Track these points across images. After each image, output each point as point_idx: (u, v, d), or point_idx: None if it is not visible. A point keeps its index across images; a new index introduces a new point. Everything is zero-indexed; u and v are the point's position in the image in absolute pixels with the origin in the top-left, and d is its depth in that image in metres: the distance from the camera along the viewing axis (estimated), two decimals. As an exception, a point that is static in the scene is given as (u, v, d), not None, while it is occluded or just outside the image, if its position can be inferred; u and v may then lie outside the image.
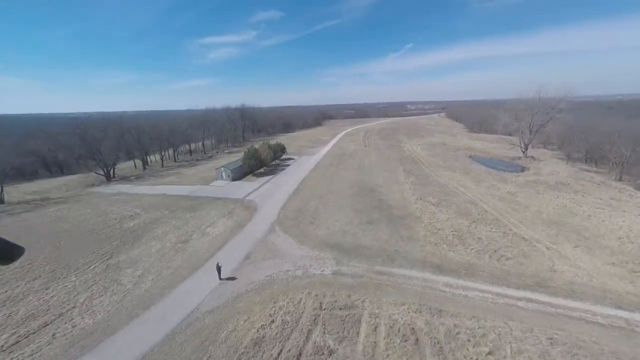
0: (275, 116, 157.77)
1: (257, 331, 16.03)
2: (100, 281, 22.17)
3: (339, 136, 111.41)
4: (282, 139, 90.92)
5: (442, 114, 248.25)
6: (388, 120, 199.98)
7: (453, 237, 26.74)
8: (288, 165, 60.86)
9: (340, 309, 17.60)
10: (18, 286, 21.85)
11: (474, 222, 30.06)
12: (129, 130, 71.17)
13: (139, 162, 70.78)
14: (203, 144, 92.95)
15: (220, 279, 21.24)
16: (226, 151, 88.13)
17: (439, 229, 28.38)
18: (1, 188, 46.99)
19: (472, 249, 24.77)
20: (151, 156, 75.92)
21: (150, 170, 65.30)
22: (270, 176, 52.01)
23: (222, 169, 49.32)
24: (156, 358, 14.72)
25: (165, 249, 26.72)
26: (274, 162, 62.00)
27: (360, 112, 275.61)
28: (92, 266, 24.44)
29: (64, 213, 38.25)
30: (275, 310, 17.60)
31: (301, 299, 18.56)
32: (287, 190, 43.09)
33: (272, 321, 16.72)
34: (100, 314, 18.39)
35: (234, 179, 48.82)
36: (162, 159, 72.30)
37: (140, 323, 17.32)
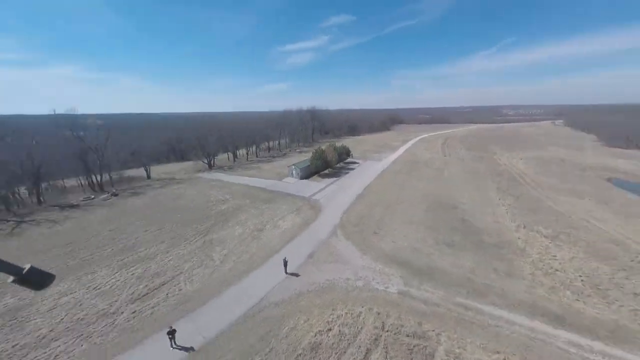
0: (342, 119, 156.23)
1: (315, 336, 15.99)
2: (199, 254, 26.04)
3: (411, 142, 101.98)
4: (347, 141, 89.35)
5: (557, 122, 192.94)
6: (475, 127, 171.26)
7: (583, 284, 20.40)
8: (352, 169, 59.35)
9: (408, 335, 15.80)
10: (152, 246, 27.73)
11: (623, 269, 22.17)
12: (226, 128, 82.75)
13: (230, 155, 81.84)
14: (279, 143, 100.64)
15: (286, 273, 22.16)
16: (297, 150, 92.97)
17: (557, 270, 22.18)
18: (149, 168, 61.88)
19: (620, 305, 18.25)
20: (239, 151, 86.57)
21: (238, 163, 74.70)
22: (335, 178, 51.83)
23: (293, 167, 52.17)
24: (230, 337, 16.28)
25: (245, 235, 29.72)
26: (338, 165, 61.49)
27: (438, 117, 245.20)
28: (195, 239, 29.03)
29: (181, 191, 47.39)
30: (333, 318, 17.23)
31: (361, 312, 17.60)
32: (351, 194, 42.08)
33: (329, 329, 16.41)
34: (196, 283, 21.64)
35: (302, 178, 51.03)
36: (247, 154, 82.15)
37: (223, 299, 19.54)
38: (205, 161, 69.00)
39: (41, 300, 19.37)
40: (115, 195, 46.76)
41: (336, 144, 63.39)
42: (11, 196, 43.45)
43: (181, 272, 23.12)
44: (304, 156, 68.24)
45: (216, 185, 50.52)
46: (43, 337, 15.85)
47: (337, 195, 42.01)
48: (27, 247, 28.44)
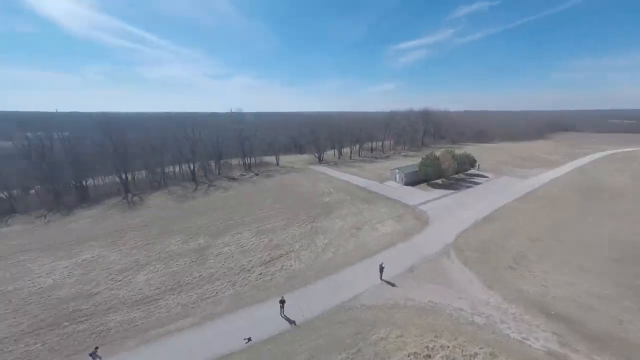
0: (465, 122, 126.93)
1: (409, 356, 13.68)
2: (306, 237, 28.16)
3: (585, 158, 70.24)
4: (472, 149, 71.21)
5: None
6: None
7: None
8: (477, 184, 47.00)
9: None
10: (276, 221, 32.22)
11: None
12: (334, 127, 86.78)
13: (336, 152, 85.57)
14: (382, 144, 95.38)
15: (381, 279, 20.55)
16: (402, 154, 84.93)
17: None
18: (278, 156, 74.43)
19: None
20: (344, 148, 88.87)
21: (342, 160, 77.09)
22: (450, 191, 42.97)
23: (397, 170, 47.64)
24: (324, 324, 16.47)
25: (344, 229, 29.82)
26: (456, 175, 50.45)
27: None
28: (305, 224, 31.57)
29: (298, 179, 53.64)
30: (434, 346, 14.22)
31: (477, 354, 13.68)
32: (473, 213, 33.39)
33: (429, 355, 13.65)
34: (302, 263, 23.51)
35: (406, 183, 45.78)
36: (350, 152, 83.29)
37: (322, 285, 20.20)
38: (316, 155, 75.49)
39: (214, 246, 26.85)
40: (257, 175, 59.08)
41: (455, 150, 52.06)
42: (207, 166, 63.56)
43: (292, 250, 25.78)
44: (409, 161, 61.58)
45: (324, 178, 54.08)
46: (212, 275, 21.88)
47: (452, 210, 34.79)
48: (210, 204, 40.62)
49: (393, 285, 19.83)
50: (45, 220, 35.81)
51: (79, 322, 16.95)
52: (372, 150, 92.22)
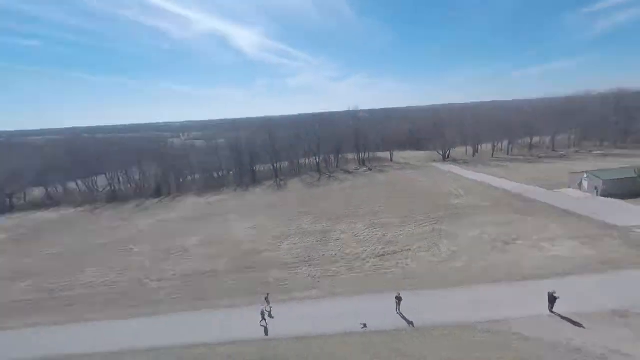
0: None
1: None
2: (427, 239, 24.61)
3: None
4: None
5: None
6: None
7: None
8: None
9: None
10: (390, 217, 30.66)
11: None
12: (468, 120, 70.06)
13: (469, 149, 69.01)
14: (553, 139, 65.70)
15: (551, 311, 14.50)
16: (593, 152, 55.77)
17: None
18: (392, 152, 71.20)
19: None
20: (481, 145, 69.96)
21: (478, 158, 61.38)
22: None
23: (587, 175, 30.81)
24: (451, 337, 13.73)
25: (482, 241, 23.41)
26: None
27: None
28: (424, 224, 27.88)
29: (414, 177, 48.77)
30: None
31: None
32: None
33: None
34: (422, 266, 20.63)
35: (604, 194, 28.89)
36: (493, 149, 63.85)
37: (449, 294, 16.88)
38: (440, 152, 64.76)
39: (333, 230, 29.38)
40: (370, 169, 59.52)
41: None
42: (328, 160, 71.83)
43: (410, 249, 23.29)
44: (607, 162, 39.61)
45: (449, 177, 45.55)
46: (333, 256, 23.82)
47: None
48: (330, 193, 45.49)
49: (577, 324, 13.54)
50: (236, 193, 54.75)
51: (253, 271, 22.71)
52: (530, 147, 66.25)
